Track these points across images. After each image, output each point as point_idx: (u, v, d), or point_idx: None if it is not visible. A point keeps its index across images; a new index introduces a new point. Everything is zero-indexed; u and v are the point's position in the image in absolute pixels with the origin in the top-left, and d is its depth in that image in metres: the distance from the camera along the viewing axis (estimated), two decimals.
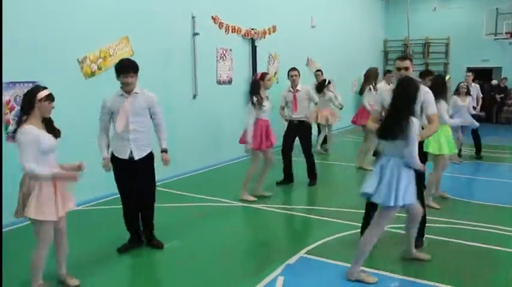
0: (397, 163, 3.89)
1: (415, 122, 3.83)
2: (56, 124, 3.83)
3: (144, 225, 4.86)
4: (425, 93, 4.33)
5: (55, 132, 3.77)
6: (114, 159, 4.59)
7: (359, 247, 4.07)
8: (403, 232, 4.53)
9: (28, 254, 3.76)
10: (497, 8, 16.58)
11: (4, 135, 5.48)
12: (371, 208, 4.53)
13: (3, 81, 5.43)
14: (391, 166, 3.90)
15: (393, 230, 5.01)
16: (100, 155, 4.56)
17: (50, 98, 3.68)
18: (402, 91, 3.93)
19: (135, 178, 4.58)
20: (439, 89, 5.80)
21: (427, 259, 4.43)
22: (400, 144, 3.84)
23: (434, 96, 4.69)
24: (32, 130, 3.56)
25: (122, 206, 4.76)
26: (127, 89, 4.50)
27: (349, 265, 4.29)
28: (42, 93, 3.64)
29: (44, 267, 3.80)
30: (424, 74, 6.64)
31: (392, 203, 3.84)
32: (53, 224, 3.72)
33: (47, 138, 3.65)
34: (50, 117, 3.76)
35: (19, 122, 3.63)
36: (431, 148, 5.89)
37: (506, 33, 16.38)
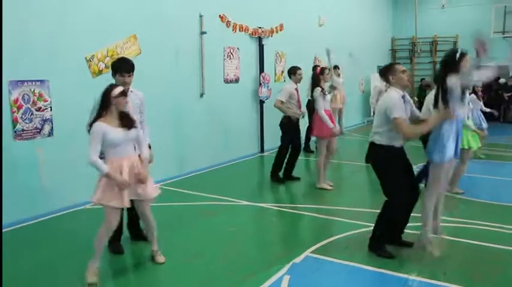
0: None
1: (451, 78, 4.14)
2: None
3: (137, 222, 4.93)
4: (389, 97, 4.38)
5: (129, 124, 4.09)
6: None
7: (422, 211, 4.52)
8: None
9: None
10: (505, 6, 16.49)
11: (12, 134, 5.53)
12: None
13: (11, 80, 5.49)
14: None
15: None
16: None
17: (123, 94, 4.04)
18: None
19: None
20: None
21: (434, 254, 4.44)
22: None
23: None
24: (101, 126, 3.95)
25: None
26: (126, 88, 4.47)
27: (355, 264, 4.34)
28: (116, 91, 4.01)
29: (102, 252, 4.14)
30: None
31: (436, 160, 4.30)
32: (118, 211, 4.07)
33: (116, 132, 3.99)
34: (124, 112, 4.12)
35: (96, 118, 4.03)
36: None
37: None
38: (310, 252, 4.65)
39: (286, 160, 7.68)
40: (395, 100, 4.29)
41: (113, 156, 4.02)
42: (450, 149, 4.29)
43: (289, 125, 7.44)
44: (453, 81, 4.13)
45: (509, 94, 16.43)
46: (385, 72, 4.51)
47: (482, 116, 9.05)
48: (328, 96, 7.10)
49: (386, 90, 4.61)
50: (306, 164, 9.21)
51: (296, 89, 7.39)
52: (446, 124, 4.22)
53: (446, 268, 4.29)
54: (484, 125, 9.11)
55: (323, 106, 6.94)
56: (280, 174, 7.69)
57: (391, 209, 4.52)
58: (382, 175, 4.54)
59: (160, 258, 4.50)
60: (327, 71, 7.17)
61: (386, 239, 4.68)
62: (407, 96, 4.49)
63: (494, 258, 4.53)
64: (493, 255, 4.61)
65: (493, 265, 4.38)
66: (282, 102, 7.39)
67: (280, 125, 7.60)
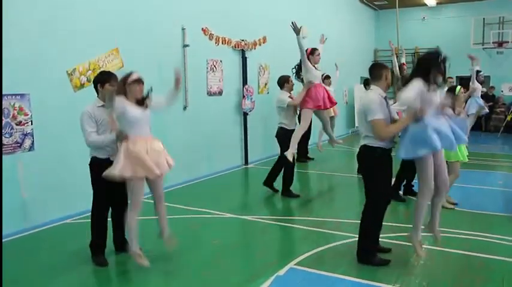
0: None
1: (414, 82, 4.24)
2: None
3: (122, 231, 4.93)
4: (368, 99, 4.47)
5: (145, 104, 4.43)
6: (96, 163, 4.59)
7: (414, 215, 4.54)
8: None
9: None
10: (484, 18, 16.83)
11: None
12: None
13: None
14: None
15: (385, 240, 5.02)
16: (112, 139, 4.44)
17: (138, 81, 4.34)
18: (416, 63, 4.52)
19: (112, 184, 4.46)
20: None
21: (420, 255, 4.51)
22: None
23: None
24: (122, 100, 4.23)
25: (96, 213, 4.73)
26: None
27: (339, 276, 4.33)
28: (131, 78, 4.31)
29: (136, 233, 4.38)
30: None
31: (402, 156, 4.36)
32: (141, 182, 4.31)
33: (134, 109, 4.28)
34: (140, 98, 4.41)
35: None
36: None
37: (493, 42, 16.62)
38: (294, 264, 4.63)
39: (273, 168, 7.64)
40: (375, 102, 4.36)
41: (134, 134, 4.27)
42: (430, 142, 4.19)
43: (285, 135, 7.31)
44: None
45: (489, 104, 16.67)
46: (381, 69, 4.59)
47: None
48: (318, 74, 7.17)
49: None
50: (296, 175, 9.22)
51: (290, 97, 7.34)
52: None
53: (429, 278, 4.30)
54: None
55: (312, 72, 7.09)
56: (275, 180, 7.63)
57: (374, 212, 4.57)
58: (373, 176, 4.53)
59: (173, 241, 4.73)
60: (317, 52, 7.24)
61: (375, 246, 4.71)
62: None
63: (478, 267, 4.56)
64: (477, 264, 4.63)
65: (477, 274, 4.40)
66: (290, 102, 7.20)
67: (276, 136, 7.52)
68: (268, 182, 7.65)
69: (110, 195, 4.60)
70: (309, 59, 7.11)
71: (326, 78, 10.20)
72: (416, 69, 4.46)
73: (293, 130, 7.35)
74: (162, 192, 4.63)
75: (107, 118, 4.54)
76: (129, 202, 4.44)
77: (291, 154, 6.99)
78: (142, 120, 4.36)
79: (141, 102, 4.44)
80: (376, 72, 4.59)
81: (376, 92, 4.47)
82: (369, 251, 4.62)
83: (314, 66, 7.13)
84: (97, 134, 4.51)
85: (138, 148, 4.23)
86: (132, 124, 4.30)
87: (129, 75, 4.36)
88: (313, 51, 7.20)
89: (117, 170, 4.17)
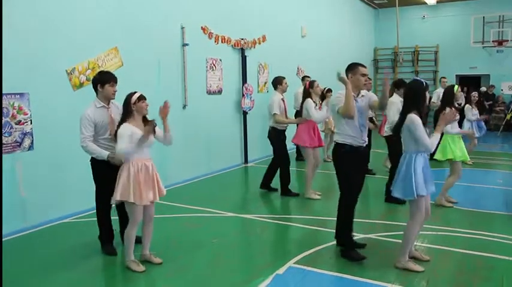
0: (408, 157, 4.26)
1: (410, 117, 4.17)
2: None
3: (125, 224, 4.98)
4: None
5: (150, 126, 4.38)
6: (96, 160, 4.70)
7: (403, 239, 4.41)
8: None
9: None
10: (483, 17, 16.83)
11: None
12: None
13: None
14: (402, 160, 4.32)
15: (384, 238, 5.02)
16: (103, 156, 4.63)
17: (141, 98, 4.39)
18: (406, 91, 4.47)
19: (112, 179, 4.54)
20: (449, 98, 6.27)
21: (418, 270, 4.38)
22: (406, 137, 4.28)
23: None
24: (129, 127, 4.30)
25: (100, 206, 4.89)
26: (112, 98, 4.74)
27: (338, 274, 4.34)
28: (134, 97, 4.35)
29: (133, 244, 4.47)
30: (397, 84, 6.77)
31: (398, 195, 4.31)
32: (140, 207, 4.35)
33: (140, 133, 4.28)
34: (146, 116, 4.47)
35: (121, 123, 4.36)
36: (442, 155, 6.52)
37: (493, 41, 16.62)
38: (294, 263, 4.63)
39: (268, 170, 7.67)
40: (340, 97, 4.61)
41: (135, 156, 4.31)
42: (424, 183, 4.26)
43: (277, 136, 7.36)
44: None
45: (489, 102, 16.68)
46: (347, 70, 4.73)
47: (476, 125, 9.33)
48: (323, 110, 7.05)
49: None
50: (294, 174, 9.22)
51: (282, 99, 7.34)
52: (418, 160, 4.25)
53: (429, 276, 4.30)
54: (477, 134, 9.43)
55: (308, 118, 6.92)
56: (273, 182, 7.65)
57: (346, 206, 4.75)
58: (340, 171, 4.77)
59: (157, 259, 4.65)
60: (316, 84, 7.13)
61: (352, 241, 4.83)
62: (366, 97, 4.75)
63: (477, 266, 4.55)
64: (476, 263, 4.63)
65: (477, 273, 4.39)
66: (276, 114, 7.24)
67: (268, 136, 7.54)
68: (265, 184, 7.67)
69: (111, 191, 4.61)
70: (309, 93, 7.04)
71: (328, 91, 9.96)
72: (409, 104, 4.31)
73: (284, 131, 7.38)
74: (153, 214, 4.63)
75: (107, 119, 4.62)
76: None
77: (311, 193, 7.20)
78: (148, 144, 4.41)
79: (146, 120, 4.44)
80: (348, 72, 4.74)
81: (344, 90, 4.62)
82: (347, 247, 4.75)
83: (315, 101, 7.03)
84: (93, 140, 4.63)
85: (141, 177, 4.31)
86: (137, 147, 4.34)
87: (131, 95, 4.38)
88: (312, 84, 7.11)
89: (119, 195, 4.30)
